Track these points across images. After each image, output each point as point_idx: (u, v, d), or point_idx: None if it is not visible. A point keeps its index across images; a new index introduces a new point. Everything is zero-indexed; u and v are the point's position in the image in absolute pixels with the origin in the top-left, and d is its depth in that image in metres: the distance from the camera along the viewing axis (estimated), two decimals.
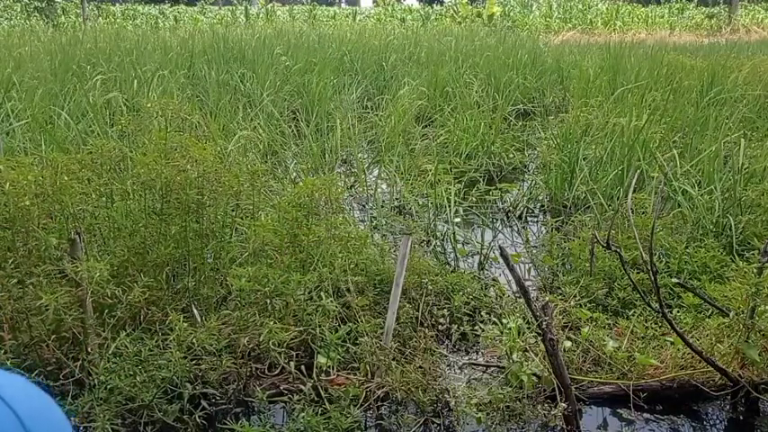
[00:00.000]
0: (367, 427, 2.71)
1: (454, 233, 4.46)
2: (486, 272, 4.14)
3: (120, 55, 9.16)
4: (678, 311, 3.32)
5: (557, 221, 4.84)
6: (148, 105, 3.46)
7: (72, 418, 2.53)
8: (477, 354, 3.24)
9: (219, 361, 2.70)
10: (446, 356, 3.16)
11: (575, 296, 3.52)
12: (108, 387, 2.46)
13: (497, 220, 5.26)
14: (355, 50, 11.73)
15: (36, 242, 2.80)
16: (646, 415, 2.82)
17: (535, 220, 5.36)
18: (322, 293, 3.15)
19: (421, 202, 5.08)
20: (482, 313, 3.46)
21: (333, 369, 2.88)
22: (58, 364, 2.72)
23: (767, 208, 4.18)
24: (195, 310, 2.96)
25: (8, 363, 2.52)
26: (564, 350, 2.90)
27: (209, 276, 3.16)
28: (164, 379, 2.53)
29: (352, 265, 3.43)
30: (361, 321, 3.06)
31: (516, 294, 3.66)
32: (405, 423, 2.68)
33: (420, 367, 2.86)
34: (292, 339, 2.87)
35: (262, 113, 6.96)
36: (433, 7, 28.28)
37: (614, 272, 3.71)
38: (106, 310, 2.80)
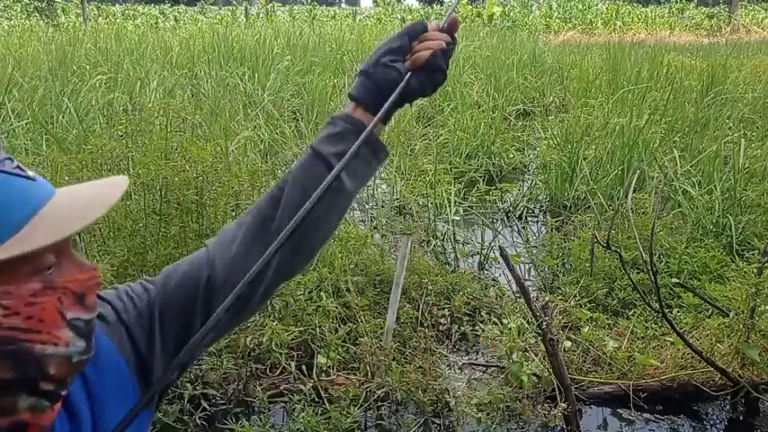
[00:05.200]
0: (367, 427, 2.71)
1: (454, 233, 4.46)
2: (486, 272, 4.14)
3: (120, 55, 9.16)
4: (678, 311, 3.32)
5: (557, 221, 4.84)
6: (149, 105, 3.46)
7: None
8: (478, 354, 3.24)
9: (220, 361, 2.71)
10: (446, 356, 3.17)
11: (575, 296, 3.52)
12: None
13: (497, 220, 5.26)
14: (355, 50, 11.73)
15: None
16: (646, 415, 2.82)
17: (535, 220, 5.36)
18: (322, 293, 3.15)
19: (421, 202, 5.08)
20: (482, 313, 3.46)
21: (333, 369, 2.88)
22: None
23: (767, 208, 4.18)
24: None
25: None
26: (564, 350, 2.91)
27: None
28: None
29: (352, 265, 3.43)
30: (361, 321, 3.06)
31: (516, 294, 3.66)
32: (405, 423, 2.68)
33: (420, 367, 2.86)
34: (292, 339, 2.87)
35: (262, 113, 6.96)
36: (433, 7, 28.29)
37: (614, 272, 3.71)
38: None
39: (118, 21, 21.38)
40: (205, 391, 2.69)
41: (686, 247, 3.84)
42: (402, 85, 0.98)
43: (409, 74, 0.99)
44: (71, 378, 0.73)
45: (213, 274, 0.91)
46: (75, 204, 0.71)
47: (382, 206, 5.06)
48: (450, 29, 1.04)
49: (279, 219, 0.93)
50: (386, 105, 0.97)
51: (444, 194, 4.84)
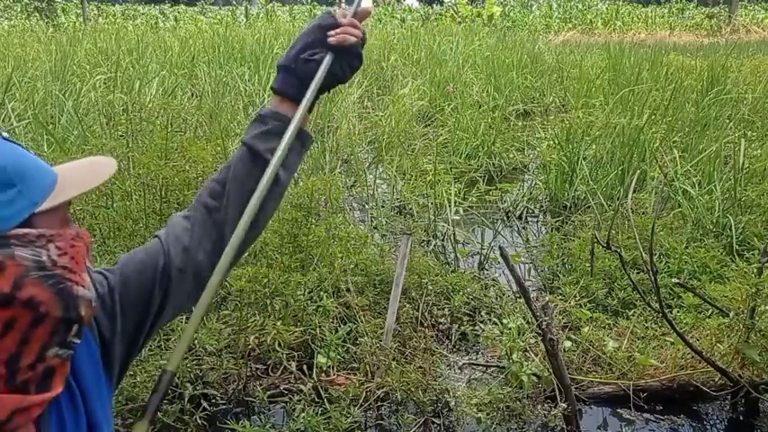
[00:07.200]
0: (367, 427, 2.71)
1: (454, 233, 4.46)
2: (486, 272, 4.14)
3: (120, 55, 9.16)
4: (678, 311, 3.32)
5: (557, 221, 4.84)
6: (149, 105, 3.46)
7: None
8: (477, 354, 3.24)
9: (220, 361, 2.71)
10: (446, 356, 3.17)
11: (575, 296, 3.52)
12: None
13: (497, 220, 5.26)
14: None
15: None
16: (646, 415, 2.82)
17: (535, 220, 5.36)
18: (322, 293, 3.15)
19: (421, 202, 5.08)
20: (482, 313, 3.47)
21: (333, 369, 2.88)
22: None
23: (767, 208, 4.18)
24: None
25: None
26: (564, 350, 2.91)
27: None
28: None
29: (352, 266, 3.43)
30: (361, 321, 3.06)
31: (516, 294, 3.66)
32: (405, 423, 2.68)
33: (420, 367, 2.86)
34: (293, 340, 2.87)
35: None
36: (432, 7, 28.29)
37: (614, 272, 3.71)
38: None
39: (118, 21, 21.37)
40: (205, 391, 2.69)
41: (686, 247, 3.84)
42: (324, 68, 1.11)
43: (330, 57, 1.12)
44: (85, 327, 0.84)
45: (168, 261, 1.02)
46: (86, 169, 0.86)
47: (382, 206, 5.05)
48: (361, 18, 1.19)
49: (224, 211, 1.06)
50: (309, 92, 1.11)
51: (444, 194, 4.84)
